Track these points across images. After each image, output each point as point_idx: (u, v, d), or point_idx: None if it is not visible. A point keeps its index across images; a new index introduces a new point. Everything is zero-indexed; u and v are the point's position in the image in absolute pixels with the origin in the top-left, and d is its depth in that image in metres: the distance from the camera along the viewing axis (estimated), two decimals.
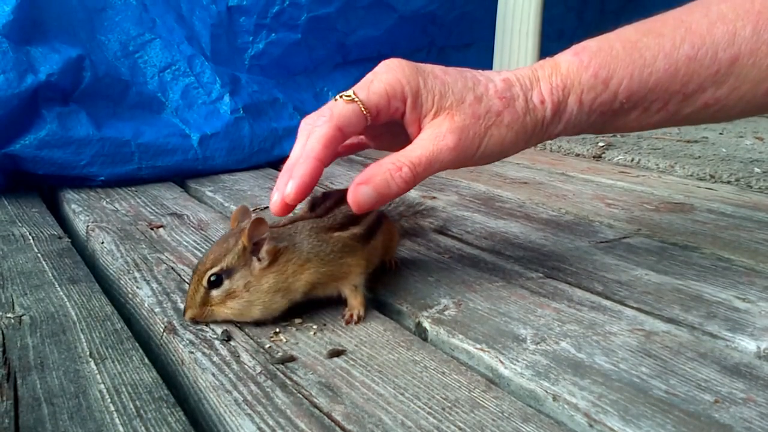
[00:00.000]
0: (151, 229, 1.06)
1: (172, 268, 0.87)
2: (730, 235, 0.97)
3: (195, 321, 0.69)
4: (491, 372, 0.61)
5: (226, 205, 1.24)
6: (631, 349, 0.62)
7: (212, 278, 0.67)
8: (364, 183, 0.68)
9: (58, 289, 0.82)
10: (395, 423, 0.51)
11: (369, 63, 2.22)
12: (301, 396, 0.55)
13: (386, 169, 0.68)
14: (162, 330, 0.69)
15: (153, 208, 1.21)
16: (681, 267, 0.85)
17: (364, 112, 0.69)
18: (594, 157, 1.67)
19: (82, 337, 0.68)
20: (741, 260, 0.87)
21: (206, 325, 0.69)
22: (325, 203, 0.77)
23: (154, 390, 0.58)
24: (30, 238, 1.04)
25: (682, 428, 0.49)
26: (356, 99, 0.68)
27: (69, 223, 1.20)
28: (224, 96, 1.58)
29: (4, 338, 0.68)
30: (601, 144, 1.72)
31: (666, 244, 0.95)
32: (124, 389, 0.58)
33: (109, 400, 0.56)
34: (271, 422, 0.51)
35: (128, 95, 1.49)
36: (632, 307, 0.72)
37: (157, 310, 0.73)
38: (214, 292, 0.67)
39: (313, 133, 0.68)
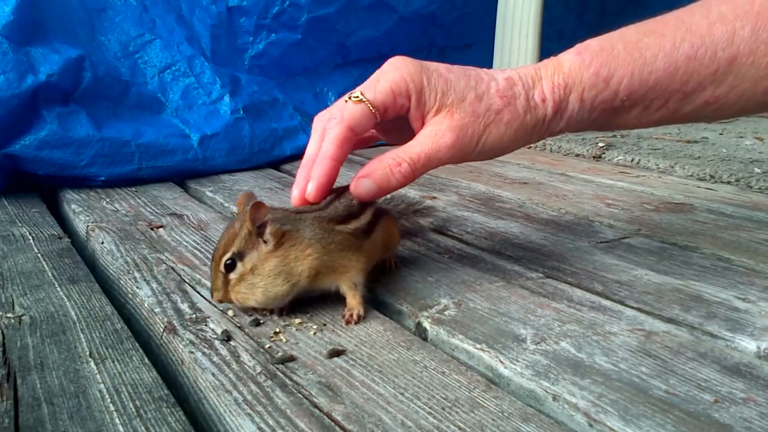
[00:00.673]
0: (151, 229, 1.06)
1: (172, 268, 0.87)
2: (730, 235, 0.97)
3: (221, 302, 0.71)
4: (491, 372, 0.61)
5: (226, 205, 1.24)
6: (631, 349, 0.62)
7: (228, 262, 0.69)
8: (366, 176, 0.73)
9: (58, 289, 0.82)
10: (395, 423, 0.51)
11: (369, 63, 2.23)
12: (301, 396, 0.55)
13: (386, 164, 0.73)
14: (162, 330, 0.70)
15: (153, 208, 1.21)
16: (681, 267, 0.85)
17: (373, 111, 0.72)
18: (594, 157, 1.67)
19: (82, 337, 0.68)
20: (741, 260, 0.87)
21: (206, 325, 0.69)
22: (327, 196, 0.78)
23: (154, 390, 0.58)
24: (30, 238, 1.04)
25: (682, 428, 0.49)
26: (364, 99, 0.73)
27: (69, 223, 1.20)
28: (224, 96, 1.58)
29: (4, 338, 0.68)
30: (601, 144, 1.72)
31: (666, 244, 0.95)
32: (124, 389, 0.58)
33: (109, 400, 0.56)
34: (271, 422, 0.51)
35: (128, 96, 1.49)
36: (632, 307, 0.72)
37: (157, 310, 0.73)
38: (231, 275, 0.69)
39: (327, 134, 0.74)
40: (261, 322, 0.70)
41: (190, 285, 0.81)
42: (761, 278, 0.80)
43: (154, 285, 0.81)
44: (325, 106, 1.94)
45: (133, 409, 0.55)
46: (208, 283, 0.80)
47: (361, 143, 0.85)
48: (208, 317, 0.71)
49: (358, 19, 1.93)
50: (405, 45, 2.05)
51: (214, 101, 1.57)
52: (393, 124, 0.78)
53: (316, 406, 0.54)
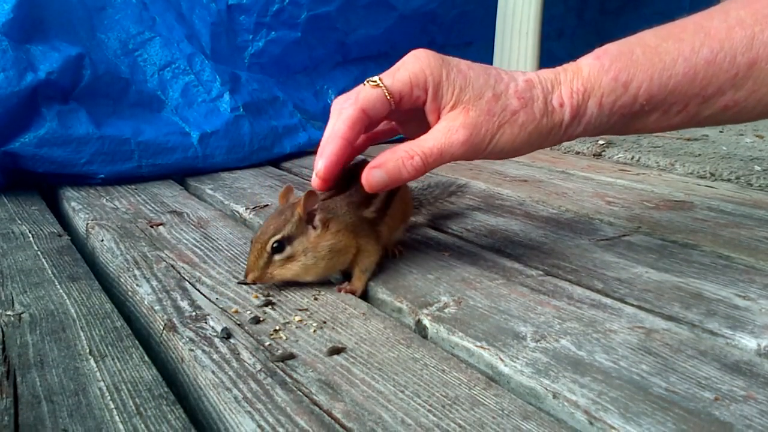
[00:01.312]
0: (151, 226, 1.06)
1: (172, 265, 0.87)
2: (730, 233, 0.97)
3: (255, 282, 0.76)
4: (491, 369, 0.61)
5: (226, 203, 1.24)
6: (632, 347, 0.62)
7: (275, 245, 0.75)
8: (378, 167, 0.75)
9: (58, 286, 0.82)
10: (395, 420, 0.51)
11: (369, 62, 2.23)
12: (301, 393, 0.55)
13: (399, 156, 0.74)
14: (162, 328, 0.69)
15: (153, 206, 1.21)
16: (681, 265, 0.85)
17: (388, 98, 0.74)
18: (594, 155, 1.67)
19: (81, 334, 0.68)
20: (741, 258, 0.87)
21: (205, 323, 0.69)
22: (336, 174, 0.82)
23: (153, 388, 0.58)
24: (30, 235, 1.04)
25: (683, 426, 0.49)
26: (381, 85, 0.74)
27: (69, 221, 1.20)
28: (224, 94, 1.58)
29: (3, 336, 0.68)
30: (601, 142, 1.72)
31: (666, 241, 0.95)
32: (123, 387, 0.58)
33: (108, 398, 0.56)
34: (271, 420, 0.51)
35: (128, 93, 1.49)
36: (632, 305, 0.72)
37: (156, 307, 0.73)
38: (276, 257, 0.75)
39: (340, 114, 0.75)
40: (261, 319, 0.70)
41: (189, 282, 0.81)
42: (761, 276, 0.80)
43: (154, 283, 0.81)
44: (325, 104, 1.95)
45: (133, 407, 0.55)
46: (209, 281, 0.81)
47: (380, 135, 0.87)
48: (208, 315, 0.71)
49: (358, 17, 1.93)
50: (405, 43, 2.04)
51: (214, 99, 1.57)
52: (410, 116, 0.79)
53: (316, 403, 0.54)
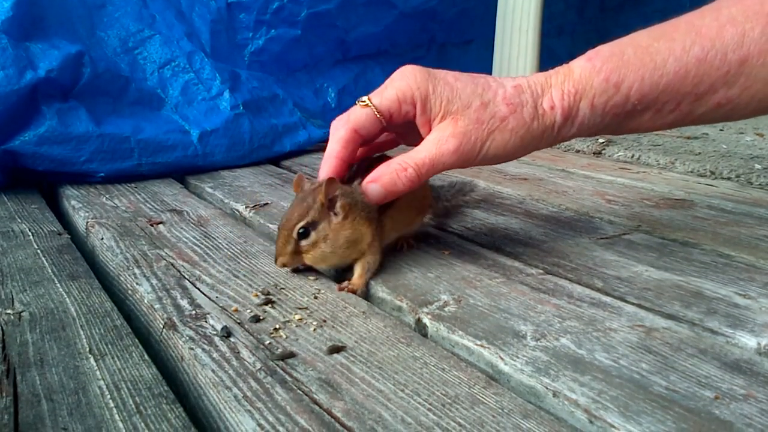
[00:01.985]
0: (151, 225, 1.06)
1: (172, 264, 0.87)
2: (730, 232, 0.97)
3: (285, 266, 0.80)
4: (491, 368, 0.61)
5: (226, 201, 1.24)
6: (632, 346, 0.62)
7: (301, 231, 0.77)
8: (374, 181, 0.78)
9: (58, 285, 0.82)
10: (395, 419, 0.51)
11: (369, 60, 2.22)
12: (301, 392, 0.55)
13: (393, 169, 0.78)
14: (162, 326, 0.69)
15: (153, 204, 1.21)
16: (681, 263, 0.84)
17: (378, 116, 0.78)
18: (594, 153, 1.67)
19: (81, 333, 0.68)
20: (741, 256, 0.87)
21: (205, 321, 0.69)
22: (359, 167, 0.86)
23: (153, 386, 0.58)
24: (29, 234, 1.04)
25: (683, 424, 0.49)
26: (370, 104, 0.78)
27: (68, 220, 1.20)
28: (224, 92, 1.57)
29: (3, 334, 0.68)
30: (601, 140, 1.72)
31: (666, 240, 0.95)
32: (123, 385, 0.58)
33: (108, 397, 0.56)
34: (271, 418, 0.51)
35: (128, 91, 1.49)
36: (632, 304, 0.72)
37: (156, 306, 0.73)
38: (303, 242, 0.78)
39: (334, 135, 0.80)
40: (261, 318, 0.70)
41: (189, 281, 0.81)
42: (761, 274, 0.80)
43: (154, 281, 0.81)
44: (325, 102, 1.95)
45: (133, 406, 0.55)
46: (208, 279, 0.81)
47: (382, 146, 0.90)
48: (208, 313, 0.71)
49: (358, 15, 1.93)
50: (405, 41, 2.04)
51: (214, 97, 1.57)
52: (407, 128, 0.82)
53: (316, 402, 0.54)
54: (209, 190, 1.33)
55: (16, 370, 0.60)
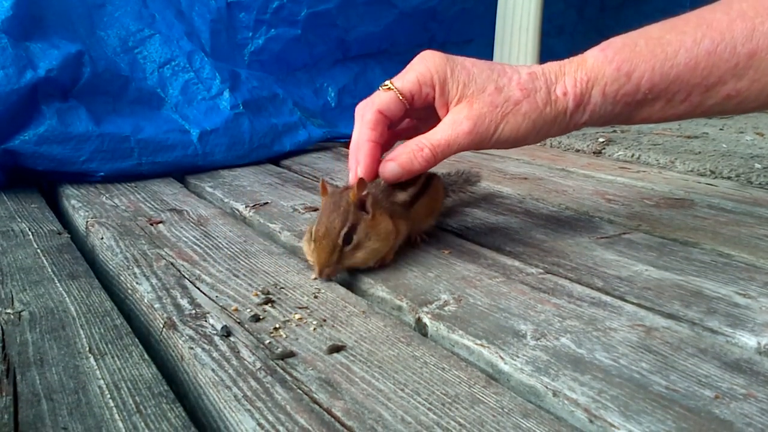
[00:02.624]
0: (151, 224, 1.06)
1: (172, 263, 0.87)
2: (730, 231, 0.97)
3: (329, 277, 0.79)
4: (491, 368, 0.61)
5: (226, 200, 1.24)
6: (632, 345, 0.62)
7: (345, 236, 0.78)
8: (392, 160, 0.82)
9: (58, 284, 0.82)
10: (395, 419, 0.51)
11: (369, 59, 2.22)
12: (300, 392, 0.55)
13: (410, 149, 0.81)
14: (161, 326, 0.69)
15: (153, 203, 1.21)
16: (681, 263, 0.84)
17: (401, 98, 0.82)
18: (594, 152, 1.66)
19: (81, 332, 0.68)
20: (741, 256, 0.87)
21: (205, 321, 0.69)
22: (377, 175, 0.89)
23: (153, 386, 0.58)
24: (29, 233, 1.04)
25: (683, 424, 0.49)
26: (392, 87, 0.82)
27: (68, 219, 1.20)
28: (224, 92, 1.57)
29: (3, 334, 0.68)
30: (601, 140, 1.72)
31: (666, 239, 0.94)
32: (123, 385, 0.58)
33: (108, 396, 0.56)
34: (271, 418, 0.51)
35: (128, 91, 1.49)
36: (632, 303, 0.72)
37: (156, 305, 0.73)
38: (347, 248, 0.78)
39: (362, 120, 0.83)
40: (261, 317, 0.70)
41: (189, 281, 0.81)
42: (762, 274, 0.80)
43: (154, 281, 0.81)
44: (325, 101, 1.95)
45: (133, 405, 0.55)
46: (208, 279, 0.81)
47: (403, 132, 0.93)
48: (208, 313, 0.71)
49: (358, 15, 1.92)
50: (405, 40, 2.04)
51: (214, 96, 1.57)
52: (427, 114, 0.85)
53: (316, 402, 0.54)
54: (209, 189, 1.33)
55: (15, 369, 0.60)
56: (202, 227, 1.04)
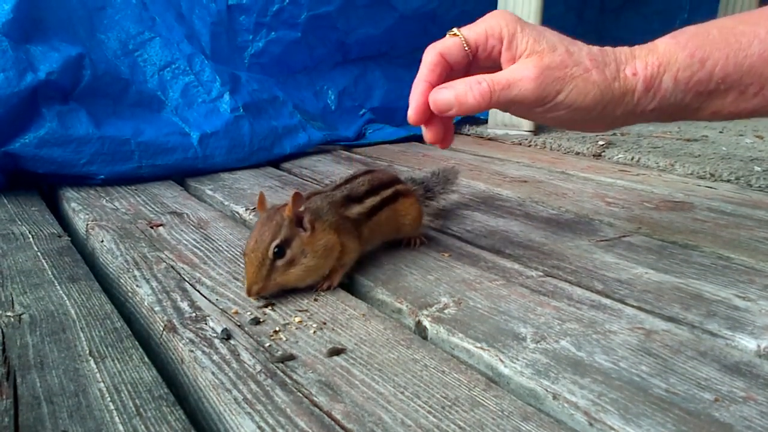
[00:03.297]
0: (151, 227, 1.06)
1: (172, 266, 0.87)
2: (730, 234, 0.97)
3: (259, 294, 0.74)
4: (491, 371, 0.61)
5: (226, 203, 1.24)
6: (631, 348, 0.62)
7: (276, 250, 0.74)
8: (447, 87, 0.76)
9: (58, 287, 0.82)
10: (395, 422, 0.51)
11: (369, 62, 2.22)
12: (300, 395, 0.55)
13: (468, 81, 0.76)
14: (162, 328, 0.69)
15: (153, 206, 1.21)
16: (681, 265, 0.85)
17: (464, 45, 0.78)
18: (594, 155, 1.67)
19: (81, 335, 0.68)
20: (741, 259, 0.87)
21: (205, 324, 0.69)
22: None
23: (153, 389, 0.58)
24: (30, 236, 1.04)
25: (682, 427, 0.49)
26: (458, 34, 0.78)
27: (69, 222, 1.20)
28: (224, 94, 1.57)
29: (3, 337, 0.68)
30: (601, 142, 1.72)
31: (666, 242, 0.95)
32: (123, 388, 0.58)
33: (108, 399, 0.56)
34: (271, 421, 0.51)
35: (128, 94, 1.49)
36: (632, 306, 0.72)
37: (156, 308, 0.73)
38: (279, 262, 0.74)
39: (424, 60, 0.80)
40: (261, 320, 0.70)
41: (189, 283, 0.81)
42: (761, 277, 0.80)
43: (154, 283, 0.81)
44: (325, 104, 1.95)
45: (133, 408, 0.55)
46: (209, 282, 0.81)
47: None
48: (208, 316, 0.71)
49: (358, 17, 1.93)
50: (405, 43, 2.04)
51: (214, 99, 1.57)
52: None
53: (315, 404, 0.54)
54: (209, 192, 1.33)
55: (16, 372, 0.60)
56: (202, 230, 1.04)
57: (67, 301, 0.78)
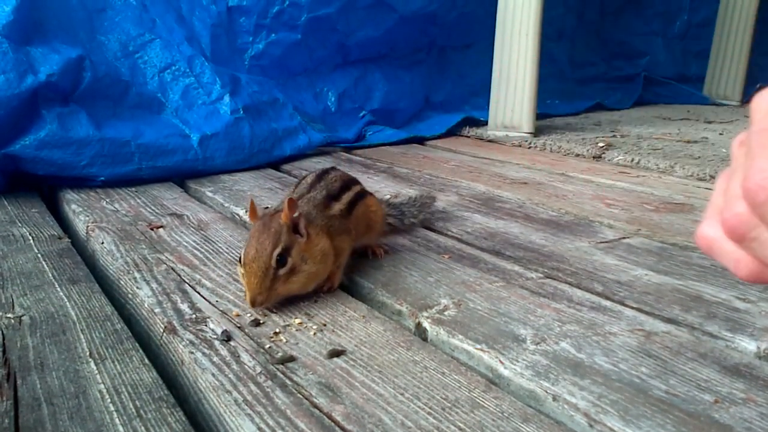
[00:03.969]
0: (151, 229, 1.06)
1: (172, 268, 0.87)
2: None
3: (263, 305, 0.71)
4: (491, 372, 0.61)
5: (226, 205, 1.24)
6: (631, 350, 0.62)
7: (278, 258, 0.72)
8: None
9: (58, 289, 0.82)
10: (395, 423, 0.51)
11: (369, 63, 2.22)
12: (301, 396, 0.55)
13: None
14: (162, 330, 0.70)
15: (153, 208, 1.21)
16: (681, 267, 0.85)
17: None
18: (594, 157, 1.67)
19: (82, 337, 0.68)
20: None
21: (206, 325, 0.69)
22: (305, 180, 0.87)
23: (154, 390, 0.58)
24: (30, 238, 1.04)
25: (682, 428, 0.49)
26: None
27: (69, 224, 1.20)
28: (224, 96, 1.58)
29: (4, 338, 0.68)
30: (601, 144, 1.72)
31: (666, 244, 0.95)
32: (124, 389, 0.58)
33: (108, 401, 0.56)
34: (271, 422, 0.51)
35: (128, 95, 1.49)
36: (632, 308, 0.72)
37: (157, 310, 0.73)
38: (281, 271, 0.72)
39: None
40: (261, 322, 0.70)
41: (190, 285, 0.81)
42: None
43: (154, 285, 0.81)
44: (325, 106, 1.95)
45: (133, 410, 0.55)
46: (209, 284, 0.81)
47: None
48: (208, 317, 0.71)
49: (358, 19, 1.93)
50: (405, 45, 2.04)
51: (214, 101, 1.57)
52: None
53: (316, 406, 0.54)
54: (209, 194, 1.33)
55: (16, 374, 0.60)
56: (202, 232, 1.05)
57: (68, 303, 0.78)
